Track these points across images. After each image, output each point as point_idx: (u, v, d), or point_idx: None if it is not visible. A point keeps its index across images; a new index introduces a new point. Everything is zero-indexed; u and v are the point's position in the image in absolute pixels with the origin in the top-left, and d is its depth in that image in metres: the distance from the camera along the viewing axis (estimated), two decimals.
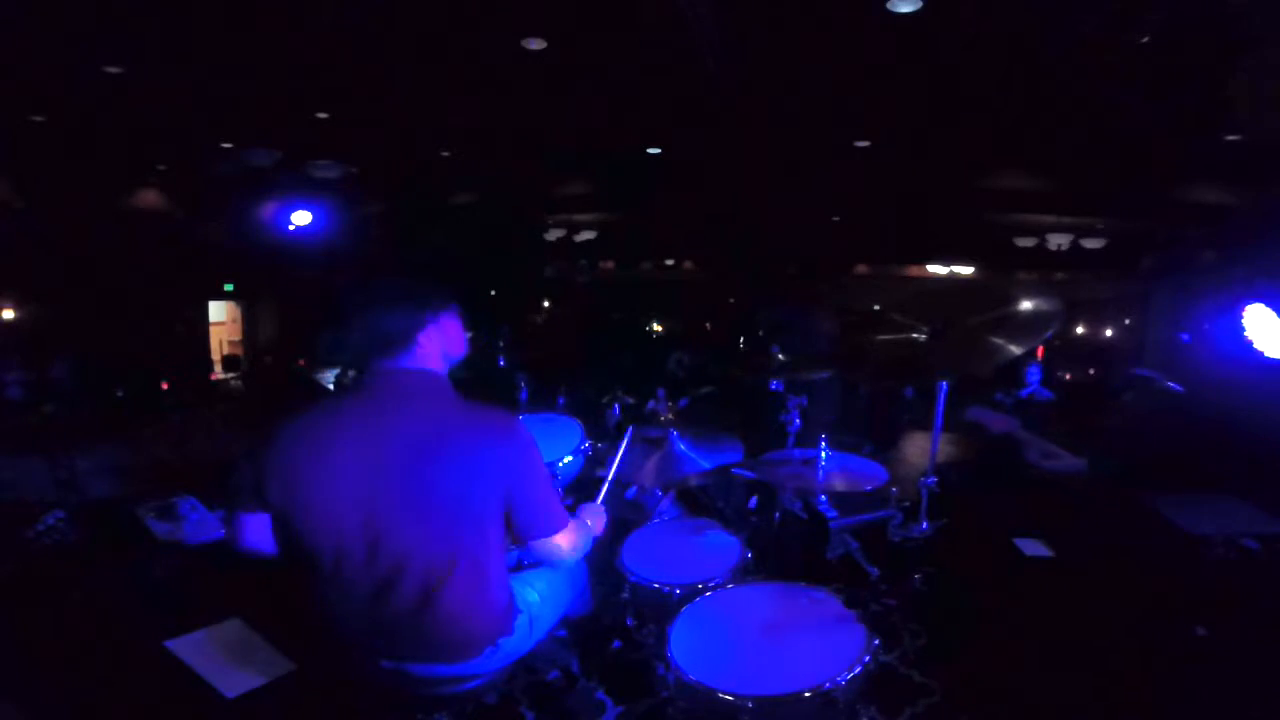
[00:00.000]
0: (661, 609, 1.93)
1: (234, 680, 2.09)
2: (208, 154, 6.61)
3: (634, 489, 2.71)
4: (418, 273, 1.62)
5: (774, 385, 3.02)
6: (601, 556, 2.09)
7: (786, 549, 2.46)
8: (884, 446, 3.79)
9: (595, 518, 1.84)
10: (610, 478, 2.05)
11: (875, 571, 2.40)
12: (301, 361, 7.72)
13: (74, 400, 7.02)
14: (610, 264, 10.64)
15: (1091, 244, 8.22)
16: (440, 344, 1.56)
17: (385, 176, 7.79)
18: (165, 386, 8.00)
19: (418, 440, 1.40)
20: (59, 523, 2.62)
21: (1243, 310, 2.52)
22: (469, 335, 1.67)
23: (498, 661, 1.58)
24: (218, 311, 10.18)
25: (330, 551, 1.43)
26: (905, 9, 3.40)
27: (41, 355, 7.29)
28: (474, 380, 1.69)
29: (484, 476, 1.42)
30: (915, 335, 2.27)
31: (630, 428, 2.21)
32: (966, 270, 9.05)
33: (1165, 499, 2.66)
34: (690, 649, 1.62)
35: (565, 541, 1.57)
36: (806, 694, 1.43)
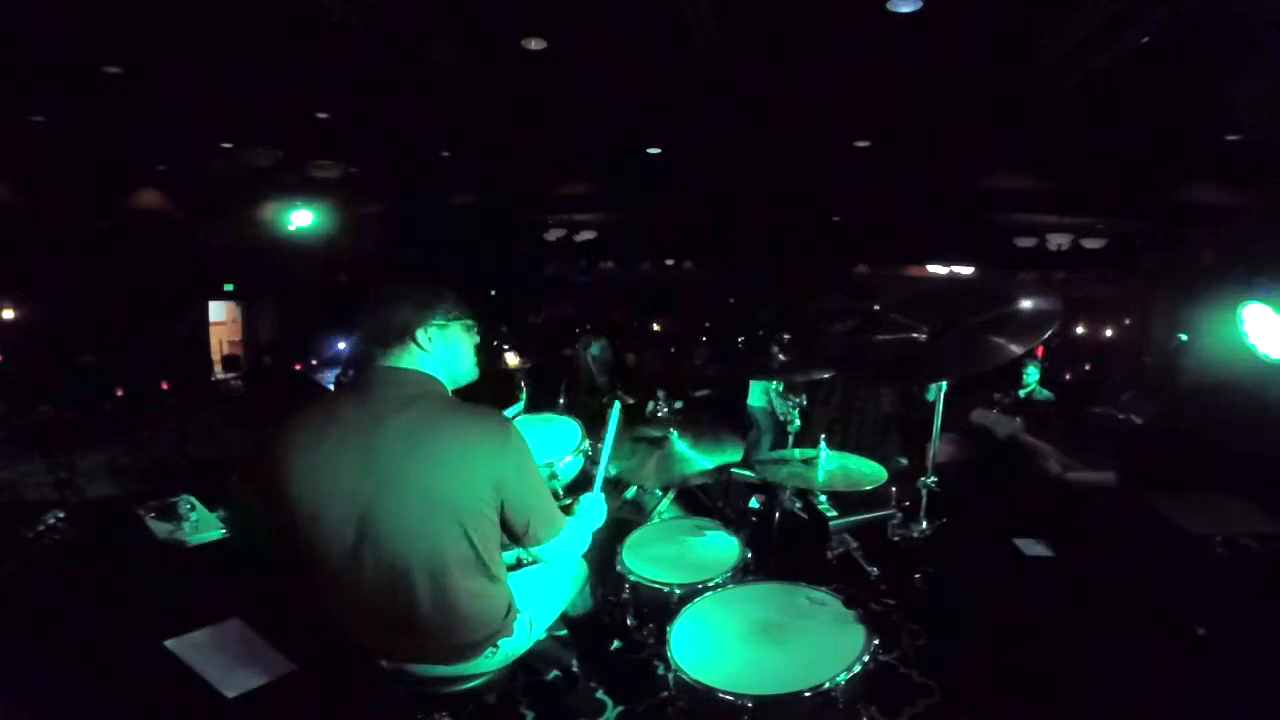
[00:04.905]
0: (661, 609, 1.93)
1: (234, 680, 2.09)
2: (208, 154, 6.63)
3: (634, 489, 2.71)
4: (418, 274, 1.61)
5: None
6: (601, 556, 2.08)
7: (786, 549, 2.45)
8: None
9: (594, 509, 1.83)
10: (604, 461, 1.96)
11: (875, 571, 2.39)
12: (315, 362, 7.74)
13: (74, 400, 7.02)
14: (610, 264, 10.66)
15: (1091, 244, 8.24)
16: (441, 350, 1.54)
17: (385, 176, 7.79)
18: (165, 386, 8.00)
19: (410, 440, 1.40)
20: (59, 523, 2.61)
21: (1242, 310, 2.51)
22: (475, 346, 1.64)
23: (497, 661, 1.58)
24: (218, 311, 10.18)
25: (326, 550, 1.42)
26: (905, 9, 3.41)
27: (42, 355, 7.30)
28: (474, 380, 1.67)
29: (476, 479, 1.41)
30: (915, 335, 2.27)
31: (616, 403, 2.04)
32: (966, 270, 9.06)
33: (1165, 499, 2.66)
34: (690, 649, 1.62)
35: (565, 543, 1.58)
36: (806, 694, 1.43)
